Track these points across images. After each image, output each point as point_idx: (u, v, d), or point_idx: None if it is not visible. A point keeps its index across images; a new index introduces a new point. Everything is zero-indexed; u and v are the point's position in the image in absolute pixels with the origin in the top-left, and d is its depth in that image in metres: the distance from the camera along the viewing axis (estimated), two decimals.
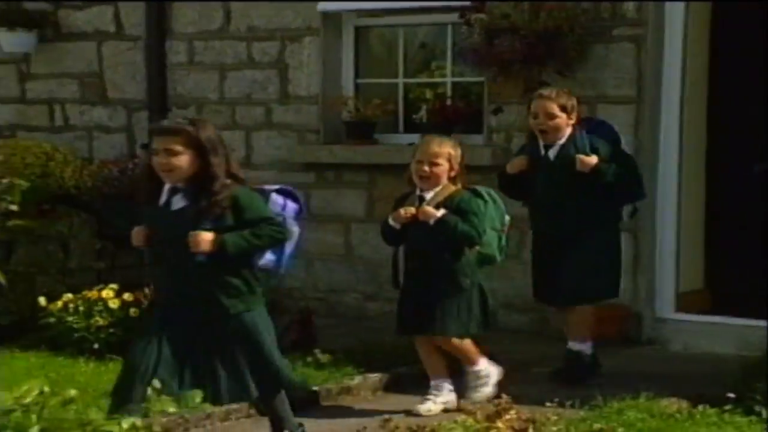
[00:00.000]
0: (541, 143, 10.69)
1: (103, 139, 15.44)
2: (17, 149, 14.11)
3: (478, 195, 9.91)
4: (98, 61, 15.41)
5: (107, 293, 12.19)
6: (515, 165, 10.87)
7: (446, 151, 9.76)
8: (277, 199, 8.44)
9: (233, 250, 7.85)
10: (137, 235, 8.11)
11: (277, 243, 8.20)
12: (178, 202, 7.99)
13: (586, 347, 10.85)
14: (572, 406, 9.11)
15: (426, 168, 9.71)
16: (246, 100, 14.51)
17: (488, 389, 9.90)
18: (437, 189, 9.79)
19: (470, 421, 6.91)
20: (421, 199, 9.84)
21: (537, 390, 9.88)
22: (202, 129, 7.96)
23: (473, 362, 9.94)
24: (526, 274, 11.63)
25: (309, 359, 11.20)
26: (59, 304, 12.11)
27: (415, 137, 12.96)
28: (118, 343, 11.39)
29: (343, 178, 13.84)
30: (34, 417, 3.79)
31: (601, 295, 10.99)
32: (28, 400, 3.84)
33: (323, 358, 11.27)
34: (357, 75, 14.37)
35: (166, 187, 8.00)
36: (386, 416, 7.32)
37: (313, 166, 13.84)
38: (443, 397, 9.94)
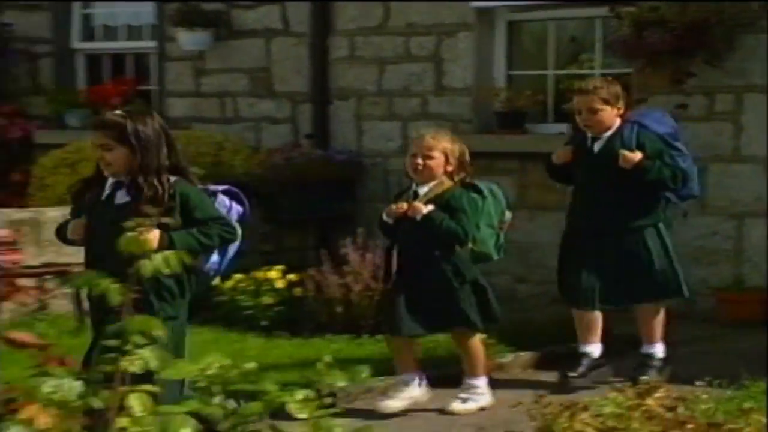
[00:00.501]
0: (589, 135, 9.71)
1: (270, 129, 15.40)
2: (192, 139, 14.27)
3: (477, 190, 9.08)
4: (266, 56, 15.38)
5: (274, 274, 12.42)
6: (560, 156, 9.91)
7: (441, 145, 8.94)
8: (223, 200, 7.70)
9: (181, 248, 6.76)
10: (76, 227, 7.44)
11: (226, 243, 7.48)
12: (122, 197, 7.25)
13: (656, 349, 9.87)
14: (720, 386, 8.49)
15: (419, 161, 8.92)
16: (403, 92, 14.37)
17: (474, 405, 9.10)
18: (432, 184, 8.97)
19: (621, 397, 6.42)
20: (416, 195, 9.05)
21: (684, 370, 9.34)
22: (138, 122, 7.19)
23: (475, 374, 9.14)
24: None
25: None
26: (230, 283, 12.23)
27: (563, 127, 12.74)
28: (283, 320, 11.81)
29: (494, 165, 13.34)
30: (217, 387, 3.87)
31: (659, 296, 9.91)
32: (211, 371, 3.89)
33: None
34: (509, 67, 14.17)
35: (110, 181, 7.33)
36: (540, 392, 7.12)
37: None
38: (409, 392, 9.12)
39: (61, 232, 7.58)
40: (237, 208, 7.73)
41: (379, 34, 14.38)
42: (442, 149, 8.90)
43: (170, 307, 7.19)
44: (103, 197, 7.27)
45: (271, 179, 14.08)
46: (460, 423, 8.68)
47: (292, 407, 3.74)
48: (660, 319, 9.87)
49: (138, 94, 16.29)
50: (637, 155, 9.27)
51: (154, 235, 6.68)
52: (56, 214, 13.33)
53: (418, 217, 8.76)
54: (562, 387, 9.37)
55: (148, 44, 16.39)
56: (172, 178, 7.18)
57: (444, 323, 9.18)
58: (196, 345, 10.37)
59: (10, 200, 14.74)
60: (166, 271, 4.22)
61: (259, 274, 12.39)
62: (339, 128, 14.80)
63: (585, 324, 9.83)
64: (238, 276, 12.20)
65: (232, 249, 7.66)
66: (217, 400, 3.74)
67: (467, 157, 9.13)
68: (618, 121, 9.50)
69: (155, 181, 7.03)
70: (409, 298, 8.88)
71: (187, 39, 15.38)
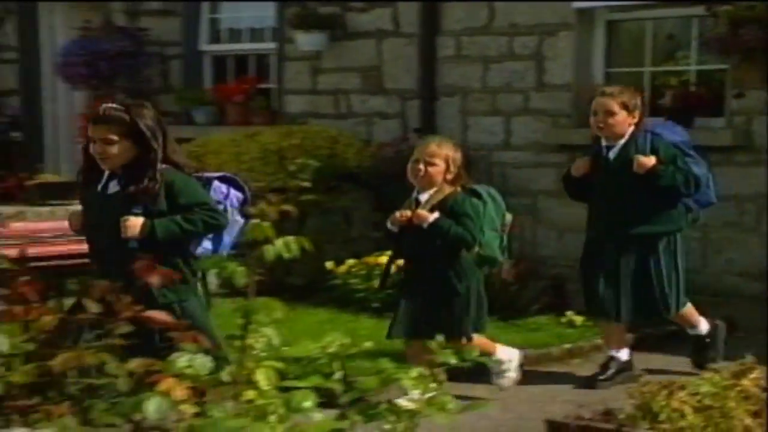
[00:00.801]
0: (603, 144, 9.26)
1: (381, 124, 15.37)
2: (309, 134, 14.55)
3: (477, 195, 8.74)
4: (378, 56, 15.34)
5: (384, 259, 11.82)
6: (579, 167, 9.46)
7: (444, 153, 8.54)
8: (219, 186, 7.52)
9: (162, 235, 6.90)
10: (73, 218, 7.36)
11: (211, 229, 7.23)
12: (114, 187, 7.06)
13: (702, 329, 9.59)
14: None
15: (421, 167, 8.53)
16: (506, 89, 14.25)
17: (512, 374, 8.97)
18: (432, 191, 8.57)
19: (717, 377, 6.37)
20: (417, 202, 8.66)
21: None
22: (140, 116, 6.99)
23: (491, 353, 8.81)
24: (762, 245, 11.55)
25: (563, 320, 11.37)
26: (344, 268, 12.60)
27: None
28: (393, 302, 10.90)
29: None
30: (337, 364, 3.91)
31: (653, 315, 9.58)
32: (331, 349, 3.95)
33: (576, 319, 11.24)
34: (607, 65, 13.99)
35: (106, 172, 7.11)
36: (638, 371, 7.04)
37: (566, 147, 13.32)
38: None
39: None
40: (235, 194, 7.54)
41: (484, 34, 14.26)
42: (444, 157, 8.54)
43: (170, 293, 6.82)
44: (99, 188, 7.12)
45: (382, 171, 13.99)
46: (560, 399, 8.66)
47: (406, 383, 3.76)
48: (689, 310, 9.60)
49: (259, 92, 16.43)
50: (651, 160, 8.88)
51: (135, 223, 6.86)
52: None
53: (425, 225, 8.41)
54: (590, 387, 9.25)
55: (268, 46, 16.47)
56: (162, 167, 7.02)
57: (441, 332, 8.76)
58: (312, 325, 10.84)
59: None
60: (287, 255, 4.24)
61: (371, 260, 12.55)
62: (445, 123, 14.67)
63: (609, 332, 9.66)
64: (351, 261, 12.62)
65: (229, 235, 7.43)
66: (337, 375, 3.78)
67: (465, 167, 8.81)
68: (631, 130, 9.09)
69: (152, 173, 6.89)
70: (413, 305, 8.63)
71: (305, 40, 15.42)
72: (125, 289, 4.81)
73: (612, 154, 9.13)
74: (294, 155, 13.23)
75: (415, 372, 3.74)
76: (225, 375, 3.85)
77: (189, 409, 3.54)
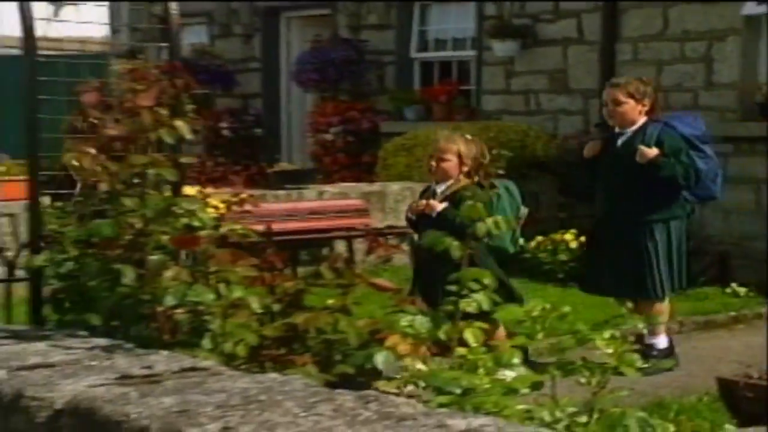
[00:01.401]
0: (616, 131, 8.48)
1: (565, 119, 15.10)
2: (503, 128, 14.44)
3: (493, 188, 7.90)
4: (563, 60, 15.10)
5: (568, 236, 12.74)
6: (590, 149, 8.72)
7: (455, 148, 7.87)
8: None
9: None
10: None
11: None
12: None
13: (659, 343, 8.52)
14: None
15: (433, 163, 8.01)
16: (677, 88, 13.74)
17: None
18: (449, 183, 7.94)
19: None
20: (434, 193, 8.09)
21: None
22: None
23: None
24: None
25: (727, 291, 11.26)
26: (533, 244, 12.57)
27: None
28: (576, 273, 11.60)
29: (755, 148, 12.83)
30: (538, 326, 3.85)
31: (633, 295, 8.58)
32: (534, 313, 3.86)
33: (740, 290, 11.16)
34: None
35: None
36: None
37: (732, 139, 12.72)
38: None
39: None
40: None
41: (659, 40, 13.91)
42: (456, 151, 7.87)
43: None
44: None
45: (566, 160, 13.80)
46: (726, 360, 8.46)
47: (600, 343, 3.71)
48: (660, 309, 8.59)
49: (460, 93, 16.34)
50: (653, 151, 8.05)
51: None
52: (396, 187, 13.62)
53: (433, 214, 7.80)
54: None
55: (469, 53, 16.37)
56: None
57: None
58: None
59: (362, 177, 15.11)
60: (495, 232, 4.23)
61: (557, 236, 12.77)
62: None
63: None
64: (539, 238, 12.71)
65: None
66: (539, 336, 3.74)
67: (486, 158, 7.93)
68: (643, 119, 8.28)
69: None
70: (428, 293, 7.58)
71: (500, 48, 15.30)
72: None
73: (620, 141, 8.37)
74: (490, 147, 13.16)
75: (607, 333, 3.70)
76: (441, 333, 3.86)
77: (412, 362, 3.56)
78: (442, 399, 3.50)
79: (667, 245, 8.46)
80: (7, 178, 12.87)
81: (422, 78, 16.86)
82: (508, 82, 15.64)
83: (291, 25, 18.38)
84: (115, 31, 16.17)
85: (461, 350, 3.82)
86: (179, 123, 3.68)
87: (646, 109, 8.27)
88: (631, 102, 8.25)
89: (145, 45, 10.22)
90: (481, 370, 3.71)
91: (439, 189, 8.00)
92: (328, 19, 17.44)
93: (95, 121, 3.82)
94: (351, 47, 16.78)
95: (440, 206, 7.74)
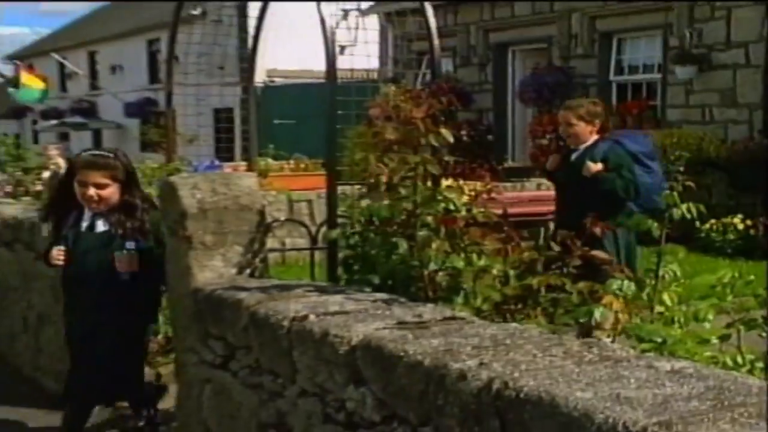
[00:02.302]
0: (572, 147, 7.25)
1: (733, 128, 14.55)
2: (683, 135, 14.18)
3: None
4: (732, 81, 14.56)
5: (736, 220, 12.43)
6: (551, 163, 7.51)
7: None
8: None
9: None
10: (57, 255, 5.00)
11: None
12: (101, 226, 4.99)
13: None
14: None
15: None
16: None
17: None
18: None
19: None
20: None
21: None
22: (125, 161, 5.05)
23: None
24: None
25: None
26: (706, 226, 12.30)
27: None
28: (741, 249, 11.88)
29: None
30: (728, 290, 3.66)
31: None
32: (725, 280, 3.69)
33: None
34: None
35: (88, 212, 5.02)
36: None
37: None
38: None
39: (45, 257, 5.20)
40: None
41: None
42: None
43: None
44: (84, 228, 5.03)
45: (734, 160, 13.67)
46: None
47: None
48: None
49: (649, 108, 16.02)
50: (597, 166, 6.82)
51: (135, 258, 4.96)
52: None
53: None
54: None
55: (655, 76, 16.05)
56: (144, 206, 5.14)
57: None
58: (689, 264, 10.39)
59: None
60: (689, 216, 4.06)
61: (726, 220, 12.46)
62: None
63: None
64: (712, 221, 12.33)
65: None
66: (729, 298, 3.58)
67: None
68: (594, 137, 7.00)
69: (139, 213, 4.99)
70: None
71: (681, 71, 15.01)
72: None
73: (573, 156, 7.14)
74: (673, 149, 13.00)
75: None
76: (644, 295, 3.77)
77: (622, 317, 3.47)
78: (645, 346, 3.41)
79: (616, 252, 7.05)
80: (307, 173, 13.21)
81: (618, 96, 16.62)
82: (688, 98, 15.27)
83: (515, 56, 18.39)
84: (383, 63, 16.44)
85: (659, 308, 3.75)
86: (444, 130, 3.66)
87: (596, 128, 7.04)
88: (582, 123, 7.02)
89: (407, 72, 10.29)
90: (675, 325, 3.64)
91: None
92: (544, 52, 17.40)
93: (378, 129, 3.83)
94: (562, 73, 16.76)
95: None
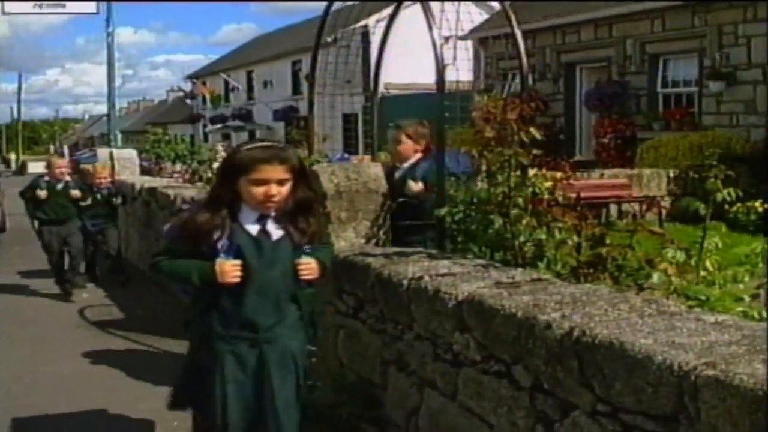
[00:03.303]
0: (396, 164, 5.64)
1: (754, 131, 13.82)
2: (715, 136, 13.47)
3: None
4: (753, 93, 13.93)
5: (756, 204, 11.12)
6: (409, 187, 5.50)
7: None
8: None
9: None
10: (233, 270, 3.06)
11: None
12: (276, 231, 3.12)
13: None
14: None
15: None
16: None
17: None
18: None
19: None
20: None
21: None
22: (295, 153, 3.23)
23: None
24: None
25: None
26: (735, 208, 10.76)
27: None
28: (761, 228, 11.12)
29: None
30: (760, 259, 3.62)
31: None
32: (757, 250, 3.66)
33: None
34: None
35: (252, 215, 3.10)
36: None
37: None
38: None
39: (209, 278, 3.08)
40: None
41: None
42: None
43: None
44: (255, 233, 3.11)
45: (755, 156, 13.11)
46: None
47: None
48: None
49: (688, 114, 15.41)
50: (417, 186, 5.23)
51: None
52: (648, 172, 12.97)
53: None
54: None
55: (693, 89, 15.46)
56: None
57: None
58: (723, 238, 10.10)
59: (626, 165, 14.51)
60: (729, 199, 3.90)
61: (749, 203, 11.18)
62: None
63: None
64: (739, 204, 11.26)
65: None
66: (760, 265, 3.45)
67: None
68: (417, 156, 5.48)
69: (314, 212, 3.22)
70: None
71: (713, 86, 14.51)
72: None
73: (397, 174, 5.50)
74: (707, 147, 12.59)
75: None
76: (691, 262, 3.65)
77: (675, 279, 3.35)
78: (692, 303, 3.33)
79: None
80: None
81: (663, 104, 16.07)
82: (719, 107, 14.70)
83: (582, 72, 17.93)
84: (476, 77, 16.30)
85: (703, 273, 3.64)
86: (533, 129, 3.59)
87: (421, 148, 5.56)
88: (409, 142, 5.57)
89: (496, 84, 10.15)
90: (715, 285, 3.53)
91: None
92: (605, 69, 16.97)
93: (479, 129, 3.78)
94: (619, 86, 16.34)
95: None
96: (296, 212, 3.12)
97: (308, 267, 3.10)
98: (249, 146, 3.12)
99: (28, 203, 9.07)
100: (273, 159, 3.04)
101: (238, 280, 3.03)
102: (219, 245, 3.04)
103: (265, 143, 3.13)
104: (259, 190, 3.03)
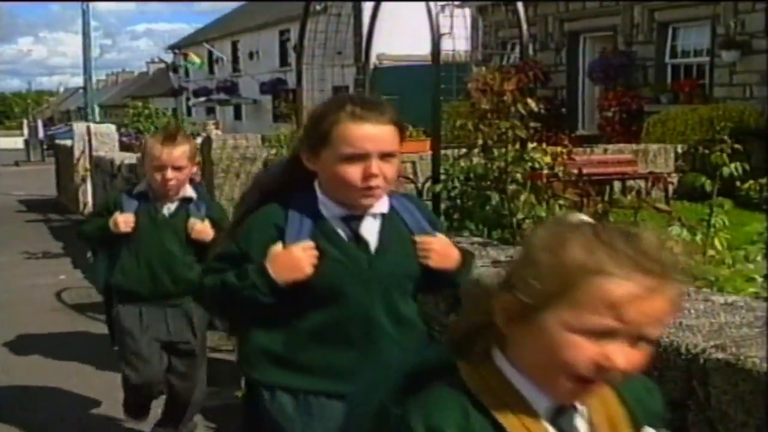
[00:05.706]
0: None
1: None
2: (727, 109, 13.38)
3: None
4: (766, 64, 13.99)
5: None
6: None
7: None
8: None
9: None
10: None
11: None
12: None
13: None
14: None
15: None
16: None
17: None
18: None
19: None
20: None
21: None
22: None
23: None
24: None
25: None
26: (746, 185, 11.10)
27: None
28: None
29: None
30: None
31: None
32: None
33: None
34: None
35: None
36: None
37: None
38: None
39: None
40: None
41: None
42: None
43: None
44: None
45: None
46: None
47: None
48: None
49: (698, 86, 15.43)
50: None
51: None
52: (655, 147, 12.97)
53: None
54: None
55: (704, 59, 15.46)
56: None
57: None
58: (733, 216, 10.09)
59: (631, 140, 14.44)
60: (735, 174, 3.91)
61: (762, 181, 11.13)
62: None
63: None
64: (751, 182, 11.25)
65: None
66: None
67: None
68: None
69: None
70: None
71: (727, 55, 14.49)
72: None
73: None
74: (719, 121, 12.55)
75: None
76: (697, 240, 3.67)
77: (681, 258, 3.37)
78: (699, 284, 3.32)
79: None
80: (410, 139, 13.15)
81: (672, 76, 16.07)
82: (731, 78, 14.68)
83: (586, 42, 17.91)
84: (473, 48, 16.28)
85: (711, 252, 3.65)
86: (530, 101, 3.59)
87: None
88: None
89: (494, 54, 10.14)
90: (724, 265, 3.54)
91: None
92: (610, 38, 16.95)
93: (475, 101, 3.78)
94: (625, 56, 16.33)
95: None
96: None
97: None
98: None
99: (94, 248, 4.12)
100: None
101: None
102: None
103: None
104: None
